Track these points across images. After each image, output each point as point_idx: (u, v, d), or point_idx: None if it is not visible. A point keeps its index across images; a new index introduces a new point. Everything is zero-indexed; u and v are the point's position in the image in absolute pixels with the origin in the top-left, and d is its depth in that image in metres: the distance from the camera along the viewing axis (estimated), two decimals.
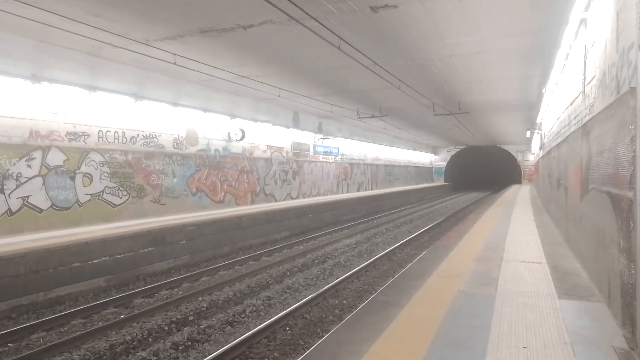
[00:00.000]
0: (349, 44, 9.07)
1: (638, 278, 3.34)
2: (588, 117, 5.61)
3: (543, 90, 13.90)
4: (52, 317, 6.98)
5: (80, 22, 8.07)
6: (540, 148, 20.11)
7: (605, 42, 4.56)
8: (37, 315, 7.32)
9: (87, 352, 5.81)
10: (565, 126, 8.75)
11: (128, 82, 11.66)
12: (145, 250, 9.89)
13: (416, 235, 15.15)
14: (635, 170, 3.37)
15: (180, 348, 5.98)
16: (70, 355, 5.80)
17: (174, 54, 10.08)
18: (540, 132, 20.43)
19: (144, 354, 5.80)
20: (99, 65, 10.75)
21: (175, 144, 13.60)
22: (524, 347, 3.60)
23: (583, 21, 6.16)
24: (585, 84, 5.99)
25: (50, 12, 7.55)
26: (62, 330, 6.74)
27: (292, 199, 20.36)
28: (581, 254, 6.47)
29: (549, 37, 9.08)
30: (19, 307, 7.40)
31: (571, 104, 7.69)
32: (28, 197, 9.49)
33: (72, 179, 10.43)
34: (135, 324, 6.86)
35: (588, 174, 5.64)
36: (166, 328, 6.66)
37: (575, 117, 7.11)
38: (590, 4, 5.56)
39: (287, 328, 6.68)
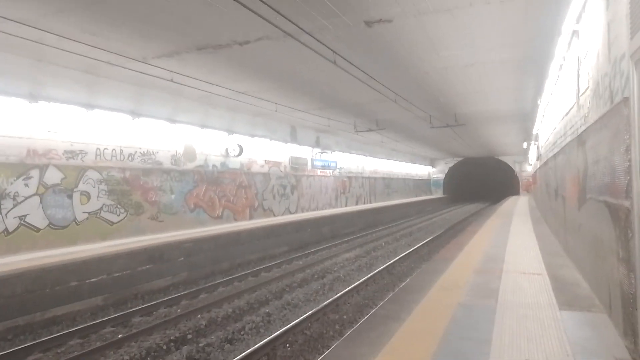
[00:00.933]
0: (344, 58, 9.15)
1: (638, 287, 3.33)
2: (583, 127, 5.64)
3: (538, 102, 13.99)
4: (49, 337, 6.89)
5: (77, 41, 8.13)
6: (537, 159, 20.17)
7: (597, 52, 4.61)
8: (34, 336, 7.23)
9: None
10: (561, 137, 8.79)
11: (125, 99, 11.70)
12: (143, 268, 9.82)
13: (416, 248, 15.09)
14: (631, 179, 3.38)
15: None
16: None
17: (171, 71, 10.14)
18: (536, 143, 20.51)
19: None
20: (96, 84, 10.79)
21: (173, 160, 13.61)
22: None
23: (575, 32, 6.23)
24: (580, 94, 6.03)
25: (47, 32, 7.60)
26: (60, 351, 6.66)
27: (290, 213, 20.32)
28: (581, 264, 6.45)
29: (542, 49, 9.18)
30: (15, 328, 7.31)
31: (566, 114, 7.74)
32: (25, 216, 9.45)
33: (70, 197, 10.40)
34: (133, 343, 6.78)
35: (585, 183, 5.65)
36: (165, 347, 6.59)
37: (570, 128, 7.15)
38: (582, 16, 5.63)
39: (287, 345, 6.61)
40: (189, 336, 7.02)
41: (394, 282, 10.40)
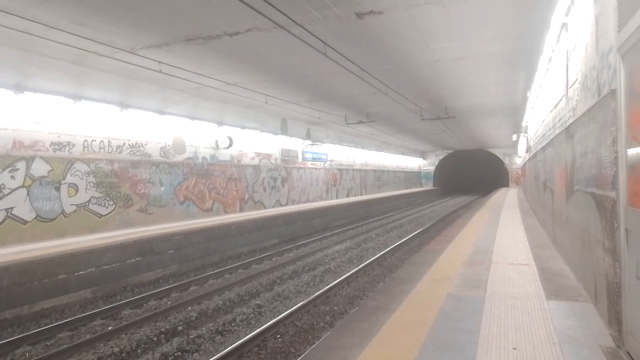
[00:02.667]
0: (335, 50, 9.12)
1: (623, 277, 3.38)
2: (571, 120, 5.69)
3: (528, 94, 14.10)
4: (37, 330, 6.85)
5: (65, 31, 8.02)
6: (527, 151, 20.34)
7: (585, 45, 4.65)
8: (22, 329, 7.18)
9: None
10: (550, 129, 8.87)
11: (113, 90, 11.57)
12: (133, 260, 9.77)
13: (406, 240, 15.18)
14: (617, 170, 3.43)
15: (169, 359, 5.91)
16: None
17: (159, 62, 10.04)
18: (526, 135, 20.68)
19: None
20: (83, 74, 10.66)
21: (162, 152, 13.51)
22: (514, 349, 3.62)
23: (564, 25, 6.27)
24: (568, 87, 6.08)
25: (34, 22, 7.49)
26: (49, 343, 6.62)
27: (281, 205, 20.32)
28: (568, 255, 6.54)
29: (532, 42, 9.23)
30: (2, 321, 7.25)
31: (555, 107, 7.81)
32: (12, 208, 9.33)
33: (57, 189, 10.29)
34: (123, 336, 6.76)
35: (573, 175, 5.71)
36: (155, 339, 6.58)
37: (559, 120, 7.21)
38: (571, 9, 5.67)
39: (278, 336, 6.64)
40: (180, 328, 7.01)
41: (384, 274, 10.47)
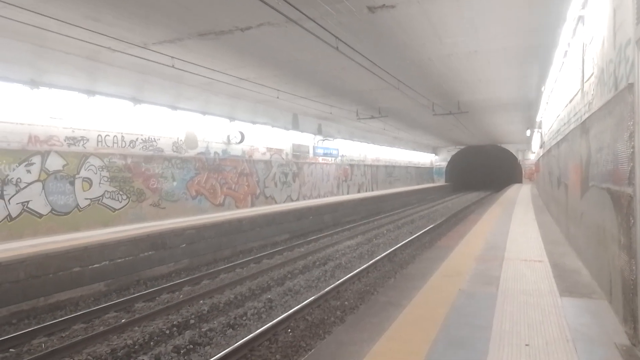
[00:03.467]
0: (347, 44, 9.08)
1: (639, 274, 3.33)
2: (587, 115, 5.61)
3: (542, 89, 13.90)
4: (53, 322, 6.96)
5: (79, 27, 8.08)
6: (541, 147, 20.11)
7: (602, 39, 4.56)
8: (38, 321, 7.30)
9: (89, 357, 5.81)
10: (564, 124, 8.75)
11: (127, 86, 11.67)
12: (145, 254, 9.88)
13: (417, 236, 15.12)
14: (634, 166, 3.37)
15: (182, 351, 5.97)
16: None
17: (172, 57, 10.09)
18: (540, 130, 20.43)
19: (145, 357, 5.79)
20: (97, 70, 10.76)
21: (174, 147, 13.60)
22: (526, 345, 3.59)
23: (580, 18, 6.17)
24: (584, 81, 5.98)
25: (49, 17, 7.55)
26: (63, 335, 6.73)
27: (292, 201, 20.35)
28: (582, 251, 6.46)
29: (546, 36, 9.08)
30: (19, 312, 7.38)
31: (570, 101, 7.69)
32: (28, 202, 9.48)
33: (72, 183, 10.42)
34: (136, 328, 6.85)
35: (588, 171, 5.63)
36: (167, 332, 6.65)
37: (574, 115, 7.11)
38: (588, 1, 5.57)
39: (289, 330, 6.67)
40: (192, 321, 7.08)
41: (395, 270, 10.44)
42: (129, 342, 6.22)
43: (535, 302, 4.71)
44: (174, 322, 6.96)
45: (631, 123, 3.38)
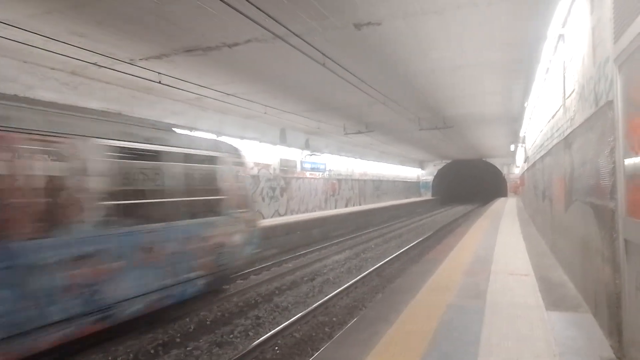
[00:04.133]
0: (333, 61, 9.17)
1: (623, 288, 3.37)
2: (569, 130, 5.72)
3: (525, 104, 14.16)
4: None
5: (64, 42, 8.05)
6: (525, 161, 20.40)
7: (582, 56, 4.68)
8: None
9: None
10: (548, 139, 8.90)
11: (113, 101, 11.59)
12: None
13: (405, 250, 15.14)
14: (615, 180, 3.43)
15: None
16: None
17: (159, 72, 10.09)
18: (523, 145, 20.75)
19: None
20: (82, 85, 10.69)
21: None
22: None
23: (561, 36, 6.33)
24: (566, 97, 6.11)
25: (34, 33, 7.52)
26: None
27: (280, 215, 20.27)
28: (567, 264, 6.52)
29: (529, 52, 9.28)
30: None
31: (553, 117, 7.84)
32: None
33: None
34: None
35: (571, 185, 5.72)
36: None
37: (557, 130, 7.24)
38: (568, 20, 5.72)
39: (277, 348, 6.59)
40: (178, 340, 6.95)
41: (383, 284, 10.42)
42: None
43: (522, 316, 4.73)
44: (160, 342, 6.84)
45: (612, 139, 3.46)
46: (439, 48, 9.31)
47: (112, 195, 5.96)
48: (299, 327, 7.40)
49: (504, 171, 42.49)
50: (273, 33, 7.17)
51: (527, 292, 5.78)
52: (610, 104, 3.49)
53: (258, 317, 8.00)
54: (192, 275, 7.43)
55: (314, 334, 7.12)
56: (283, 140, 20.41)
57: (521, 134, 19.87)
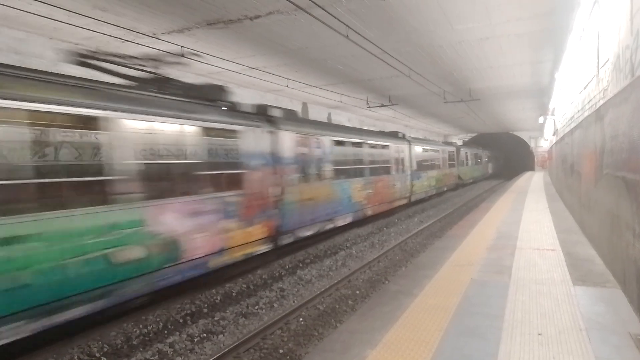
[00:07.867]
0: (357, 32, 8.99)
1: None
2: (602, 102, 5.51)
3: (555, 75, 13.69)
4: None
5: (87, 16, 8.11)
6: (554, 134, 19.83)
7: (619, 24, 4.46)
8: None
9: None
10: (578, 111, 8.61)
11: None
12: None
13: (428, 225, 15.08)
14: None
15: (195, 340, 6.06)
16: None
17: (181, 46, 10.09)
18: (553, 117, 20.14)
19: None
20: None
21: None
22: (539, 334, 3.58)
23: (596, 2, 6.03)
24: (599, 67, 5.87)
25: (57, 7, 7.58)
26: None
27: None
28: (595, 240, 6.39)
29: (560, 20, 8.91)
30: None
31: (584, 88, 7.56)
32: None
33: None
34: None
35: (602, 159, 5.55)
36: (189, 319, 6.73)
37: (588, 102, 6.99)
38: None
39: (301, 319, 6.72)
40: (205, 310, 7.15)
41: (406, 259, 10.44)
42: None
43: (547, 291, 4.68)
44: (188, 311, 7.05)
45: None
46: (466, 19, 9.02)
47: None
48: (322, 300, 7.51)
49: (532, 144, 41.50)
50: (295, 4, 7.05)
51: (553, 267, 5.71)
52: None
53: (282, 290, 8.14)
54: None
55: (337, 307, 7.21)
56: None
57: (550, 106, 19.28)
